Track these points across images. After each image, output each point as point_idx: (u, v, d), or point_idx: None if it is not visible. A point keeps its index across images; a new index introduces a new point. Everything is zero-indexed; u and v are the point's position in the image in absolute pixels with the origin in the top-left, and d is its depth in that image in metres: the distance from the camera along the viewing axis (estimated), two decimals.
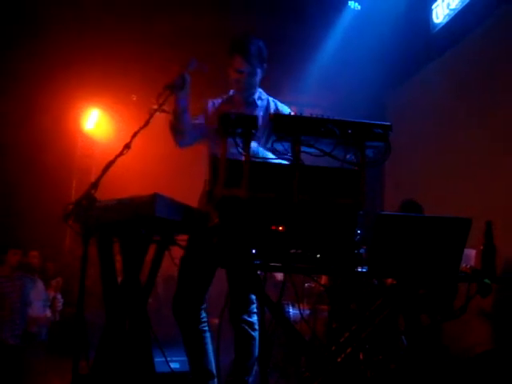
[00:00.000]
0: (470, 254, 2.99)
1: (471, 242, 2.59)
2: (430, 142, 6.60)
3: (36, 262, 7.05)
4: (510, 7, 5.45)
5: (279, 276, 5.01)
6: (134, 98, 8.48)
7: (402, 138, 5.38)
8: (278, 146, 2.45)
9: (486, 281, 2.59)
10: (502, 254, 3.04)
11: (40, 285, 6.91)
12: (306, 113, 2.45)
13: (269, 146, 2.48)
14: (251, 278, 2.51)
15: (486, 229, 2.84)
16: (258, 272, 2.59)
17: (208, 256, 2.69)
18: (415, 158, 6.82)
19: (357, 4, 7.54)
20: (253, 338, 3.36)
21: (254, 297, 3.39)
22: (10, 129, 7.83)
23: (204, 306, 3.40)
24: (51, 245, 7.93)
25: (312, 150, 2.45)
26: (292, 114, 3.35)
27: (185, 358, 3.51)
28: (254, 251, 2.34)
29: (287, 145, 2.44)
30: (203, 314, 3.40)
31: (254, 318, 3.39)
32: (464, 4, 6.15)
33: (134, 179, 7.38)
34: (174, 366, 3.91)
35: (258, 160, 2.40)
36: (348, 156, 2.51)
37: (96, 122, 9.03)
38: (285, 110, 3.55)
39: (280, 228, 2.35)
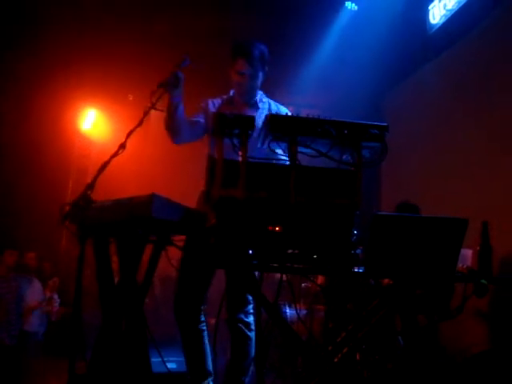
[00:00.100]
0: (467, 255, 3.00)
1: (468, 242, 2.60)
2: (426, 142, 6.61)
3: (33, 264, 7.04)
4: (505, 8, 5.46)
5: (278, 275, 5.02)
6: (131, 98, 8.48)
7: (398, 138, 5.38)
8: (275, 147, 2.45)
9: (483, 281, 2.59)
10: (499, 254, 3.05)
11: (37, 285, 6.90)
12: (303, 113, 2.46)
13: (265, 146, 2.48)
14: (248, 279, 2.52)
15: (483, 229, 2.84)
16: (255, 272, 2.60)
17: (206, 256, 2.69)
18: (412, 159, 6.83)
19: (354, 4, 7.54)
20: (249, 338, 3.37)
21: (250, 297, 3.39)
22: (7, 129, 7.82)
23: (204, 306, 3.42)
24: (48, 245, 7.92)
25: (308, 151, 2.45)
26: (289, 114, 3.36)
27: (182, 359, 3.51)
28: (250, 252, 2.35)
29: (284, 145, 2.45)
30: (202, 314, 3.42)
31: (251, 319, 3.40)
32: (460, 5, 6.16)
33: (131, 179, 7.39)
34: (171, 366, 3.91)
35: (254, 160, 2.39)
36: (344, 156, 2.51)
37: (93, 123, 9.02)
38: (285, 112, 3.56)
39: (277, 228, 2.35)
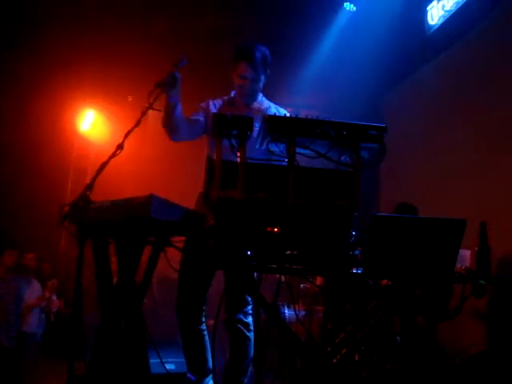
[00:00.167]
0: (465, 255, 2.99)
1: (466, 243, 2.60)
2: (425, 142, 6.61)
3: (32, 264, 7.04)
4: (504, 9, 5.46)
5: (278, 275, 5.02)
6: (130, 99, 8.47)
7: (397, 139, 5.39)
8: (273, 148, 2.45)
9: (481, 282, 2.59)
10: (497, 254, 3.05)
11: (36, 285, 6.90)
12: (302, 114, 2.46)
13: (263, 147, 2.48)
14: (246, 280, 2.52)
15: (481, 230, 2.85)
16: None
17: (205, 257, 2.69)
18: (410, 159, 6.83)
19: (352, 5, 7.54)
20: (248, 338, 3.38)
21: (249, 298, 3.40)
22: (6, 129, 7.82)
23: (205, 306, 3.44)
24: (47, 246, 7.91)
25: (307, 152, 2.45)
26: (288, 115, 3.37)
27: (180, 360, 3.52)
28: (249, 253, 2.35)
29: (282, 146, 2.45)
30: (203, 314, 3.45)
31: (250, 319, 3.41)
32: (459, 6, 6.16)
33: (130, 180, 7.39)
34: (170, 367, 3.92)
35: (252, 161, 2.39)
36: (343, 157, 2.52)
37: (92, 123, 9.01)
38: (284, 114, 3.57)
39: (275, 229, 2.35)
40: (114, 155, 2.81)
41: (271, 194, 2.35)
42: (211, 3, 7.15)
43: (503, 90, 5.33)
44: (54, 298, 6.94)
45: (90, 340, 2.91)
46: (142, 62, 7.35)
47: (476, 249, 2.81)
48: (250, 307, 3.41)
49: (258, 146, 2.51)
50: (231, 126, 2.35)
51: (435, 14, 6.60)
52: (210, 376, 3.38)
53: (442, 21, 6.49)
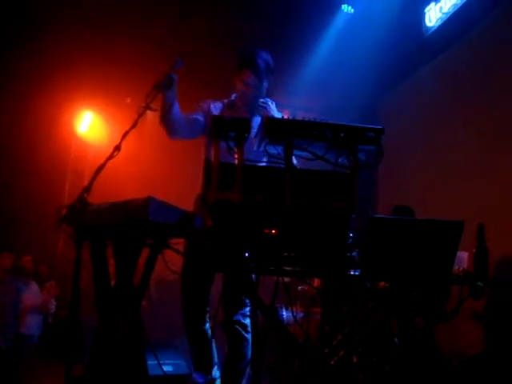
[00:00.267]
0: (463, 257, 2.99)
1: (464, 245, 2.60)
2: (423, 144, 6.61)
3: (29, 267, 7.01)
4: (505, 8, 5.46)
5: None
6: (128, 101, 8.45)
7: (395, 139, 5.40)
8: (271, 150, 2.46)
9: (479, 283, 2.60)
10: (495, 256, 3.05)
11: (34, 287, 6.88)
12: (299, 116, 2.46)
13: (261, 149, 2.49)
14: (244, 281, 2.52)
15: (478, 231, 2.86)
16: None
17: (203, 259, 2.69)
18: (409, 161, 6.83)
19: (350, 7, 7.55)
20: (246, 339, 3.41)
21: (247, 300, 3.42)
22: (4, 130, 7.80)
23: (208, 307, 3.52)
24: (44, 248, 7.89)
25: (304, 154, 2.45)
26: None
27: (178, 361, 3.54)
28: (246, 254, 2.35)
29: (280, 148, 2.45)
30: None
31: (248, 321, 3.43)
32: (456, 8, 6.17)
33: (128, 182, 7.38)
34: (167, 369, 3.91)
35: (250, 163, 2.40)
36: (340, 159, 2.52)
37: (89, 125, 9.00)
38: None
39: (273, 231, 2.35)
40: (111, 157, 2.81)
41: (269, 196, 2.35)
42: (210, 5, 7.15)
43: (504, 89, 5.32)
44: (52, 299, 6.92)
45: (87, 342, 2.91)
46: (141, 63, 7.34)
47: (474, 251, 2.81)
48: (247, 309, 3.43)
49: (255, 148, 2.51)
50: (229, 127, 2.35)
51: (433, 16, 6.60)
52: (216, 367, 3.49)
53: (439, 23, 6.49)
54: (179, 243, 3.01)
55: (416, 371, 3.94)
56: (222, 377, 3.46)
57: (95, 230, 2.87)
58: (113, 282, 2.94)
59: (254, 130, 2.42)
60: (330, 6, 7.49)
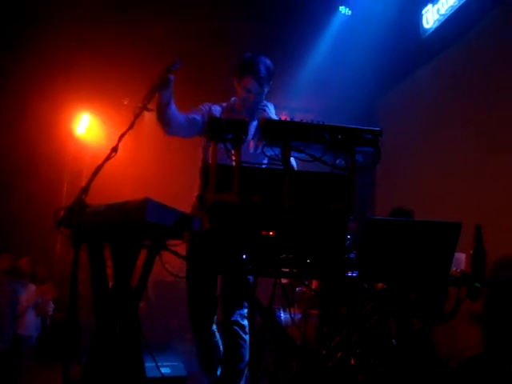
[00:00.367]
0: (460, 258, 3.00)
1: (462, 246, 2.60)
2: (423, 143, 6.61)
3: (27, 268, 7.01)
4: (504, 8, 5.46)
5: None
6: (126, 102, 8.44)
7: (394, 140, 5.41)
8: (268, 151, 2.46)
9: (476, 285, 2.60)
10: (492, 257, 3.06)
11: (32, 288, 6.87)
12: (297, 118, 2.47)
13: (259, 151, 2.49)
14: (242, 283, 2.52)
15: (476, 233, 2.86)
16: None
17: (201, 261, 2.70)
18: (407, 162, 6.83)
19: (347, 9, 7.55)
20: (244, 340, 3.41)
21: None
22: (1, 131, 7.79)
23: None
24: (42, 249, 7.88)
25: (302, 156, 2.46)
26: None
27: (175, 363, 3.54)
28: (244, 256, 2.35)
29: (277, 150, 2.45)
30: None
31: (246, 322, 3.43)
32: (454, 9, 6.18)
33: (126, 183, 7.37)
34: (165, 370, 3.91)
35: (248, 165, 2.40)
36: (338, 161, 2.52)
37: (87, 127, 9.00)
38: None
39: (270, 233, 2.35)
40: (108, 158, 2.80)
41: (266, 198, 2.35)
42: (209, 7, 7.15)
43: (503, 89, 5.32)
44: (50, 301, 6.91)
45: (85, 344, 2.91)
46: (139, 65, 7.33)
47: (471, 252, 2.82)
48: (246, 310, 3.43)
49: (252, 150, 2.52)
50: (226, 129, 2.35)
51: (430, 18, 6.61)
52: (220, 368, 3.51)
53: (437, 24, 6.50)
54: (177, 245, 3.01)
55: (414, 372, 3.94)
56: (220, 377, 3.45)
57: (93, 232, 2.87)
58: (110, 284, 2.94)
59: (251, 133, 2.42)
60: (328, 8, 7.50)
